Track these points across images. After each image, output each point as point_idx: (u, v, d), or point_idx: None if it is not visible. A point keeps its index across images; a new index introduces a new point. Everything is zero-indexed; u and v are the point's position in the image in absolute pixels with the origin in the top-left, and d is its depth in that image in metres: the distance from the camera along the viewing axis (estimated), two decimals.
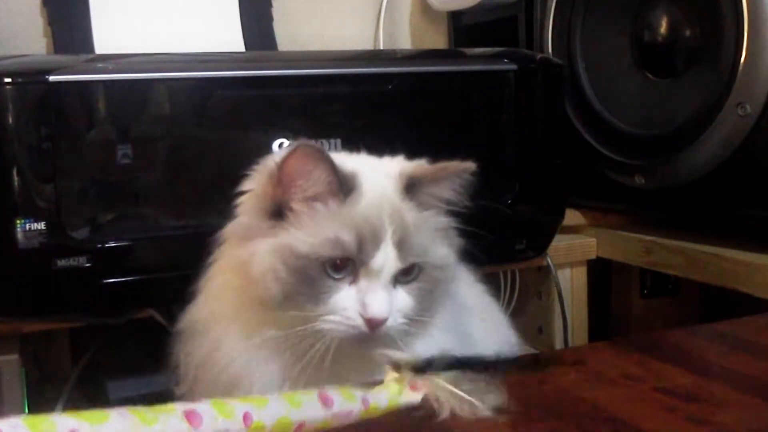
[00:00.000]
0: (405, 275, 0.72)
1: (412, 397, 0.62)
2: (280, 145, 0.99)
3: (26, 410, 0.99)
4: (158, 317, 0.98)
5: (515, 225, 1.13)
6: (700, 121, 1.10)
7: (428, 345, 0.75)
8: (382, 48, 1.58)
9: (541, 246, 1.18)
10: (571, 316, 1.28)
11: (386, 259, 0.70)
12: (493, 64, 1.14)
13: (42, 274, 0.90)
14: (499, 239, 0.96)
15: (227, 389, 0.73)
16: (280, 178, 0.73)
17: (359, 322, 0.70)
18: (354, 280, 0.71)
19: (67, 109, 0.91)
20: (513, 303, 1.29)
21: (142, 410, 0.50)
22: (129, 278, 0.93)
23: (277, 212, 0.73)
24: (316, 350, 0.70)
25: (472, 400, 0.61)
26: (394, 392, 0.62)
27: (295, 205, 0.72)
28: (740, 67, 1.04)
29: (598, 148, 1.24)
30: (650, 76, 1.20)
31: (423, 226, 0.74)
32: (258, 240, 0.73)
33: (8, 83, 0.87)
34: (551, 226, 1.18)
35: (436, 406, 0.62)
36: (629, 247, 1.26)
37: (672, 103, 1.15)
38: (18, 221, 0.88)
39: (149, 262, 0.95)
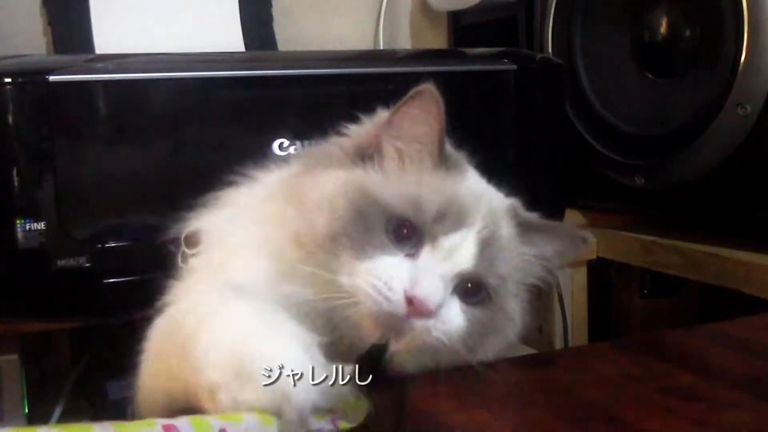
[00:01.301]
0: (469, 295, 0.63)
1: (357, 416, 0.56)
2: (281, 145, 0.99)
3: (26, 410, 0.99)
4: None
5: None
6: (700, 121, 1.10)
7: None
8: (382, 48, 1.58)
9: None
10: (571, 316, 1.28)
11: (461, 246, 0.62)
12: (493, 64, 1.14)
13: (42, 274, 0.90)
14: None
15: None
16: (391, 120, 0.66)
17: (400, 297, 0.59)
18: (414, 255, 0.62)
19: (67, 109, 0.91)
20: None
21: (123, 424, 0.50)
22: (129, 278, 0.93)
23: (365, 155, 0.66)
24: (343, 320, 0.60)
25: None
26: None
27: (388, 150, 0.66)
28: (740, 67, 1.04)
29: (598, 148, 1.24)
30: (650, 76, 1.20)
31: (516, 261, 0.67)
32: (328, 171, 0.66)
33: (8, 83, 0.87)
34: None
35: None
36: (629, 247, 1.25)
37: (672, 103, 1.15)
38: (18, 221, 0.88)
39: (149, 262, 0.95)
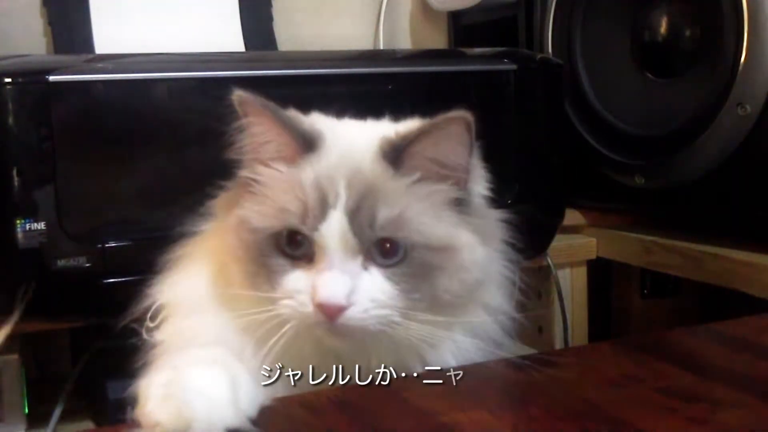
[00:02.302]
0: (385, 256, 0.62)
1: None
2: None
3: (26, 410, 0.99)
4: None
5: (515, 225, 1.13)
6: (700, 121, 1.10)
7: (451, 352, 0.67)
8: (382, 48, 1.58)
9: (541, 246, 1.18)
10: (571, 316, 1.28)
11: (333, 230, 0.61)
12: (493, 64, 1.14)
13: (42, 274, 0.90)
14: None
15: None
16: (241, 147, 0.67)
17: (311, 309, 0.60)
18: (310, 260, 0.62)
19: (67, 109, 0.91)
20: (513, 303, 1.29)
21: None
22: (129, 278, 0.93)
23: (247, 186, 0.67)
24: (275, 340, 0.62)
25: None
26: None
27: (255, 171, 0.66)
28: (740, 67, 1.04)
29: (598, 148, 1.24)
30: (650, 76, 1.20)
31: (405, 195, 0.63)
32: (231, 210, 0.68)
33: (8, 83, 0.87)
34: (551, 226, 1.18)
35: None
36: (629, 247, 1.26)
37: (672, 103, 1.15)
38: (18, 221, 0.88)
39: (149, 262, 0.95)
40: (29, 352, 1.11)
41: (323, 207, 0.62)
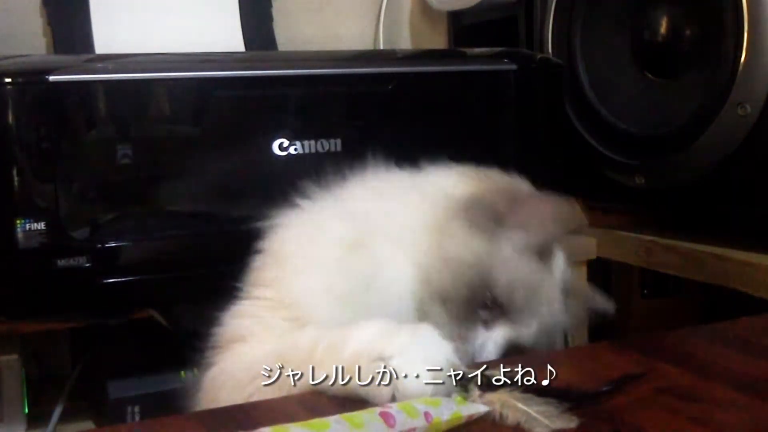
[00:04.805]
0: None
1: (475, 408, 0.60)
2: (280, 145, 0.99)
3: (26, 410, 0.99)
4: (158, 317, 0.98)
5: None
6: (700, 121, 1.09)
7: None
8: (382, 48, 1.58)
9: None
10: (571, 316, 1.28)
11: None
12: (493, 64, 1.14)
13: (42, 274, 0.90)
14: None
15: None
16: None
17: None
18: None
19: (67, 109, 0.91)
20: None
21: (351, 415, 0.56)
22: (129, 278, 0.93)
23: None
24: None
25: (541, 418, 0.58)
26: (457, 404, 0.60)
27: None
28: (740, 67, 1.04)
29: (598, 148, 1.24)
30: (650, 76, 1.20)
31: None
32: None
33: (8, 83, 0.87)
34: None
35: (499, 418, 0.59)
36: (629, 247, 1.25)
37: (672, 103, 1.15)
38: (18, 221, 0.88)
39: (149, 262, 0.95)
40: (29, 352, 1.11)
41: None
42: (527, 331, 0.75)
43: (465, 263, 0.74)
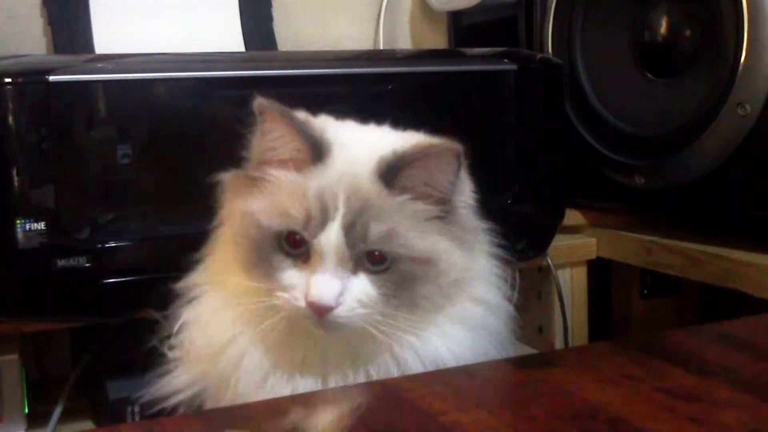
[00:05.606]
0: (374, 263, 0.68)
1: None
2: None
3: (26, 410, 0.99)
4: (158, 317, 0.98)
5: (515, 225, 1.13)
6: (700, 121, 1.09)
7: (441, 339, 0.72)
8: (382, 48, 1.58)
9: (541, 246, 1.18)
10: (571, 316, 1.28)
11: (330, 241, 0.67)
12: (493, 64, 1.14)
13: (42, 274, 0.90)
14: None
15: (214, 357, 0.73)
16: (254, 146, 0.73)
17: (303, 304, 0.67)
18: (306, 259, 0.69)
19: (67, 109, 0.91)
20: (513, 303, 1.29)
21: None
22: (129, 278, 0.93)
23: (255, 180, 0.73)
24: (268, 325, 0.70)
25: None
26: None
27: (266, 171, 0.72)
28: (740, 67, 1.04)
29: (598, 148, 1.24)
30: (650, 76, 1.20)
31: (395, 213, 0.69)
32: (234, 202, 0.74)
33: (8, 83, 0.87)
34: (551, 226, 1.18)
35: None
36: (629, 247, 1.25)
37: (672, 103, 1.15)
38: (18, 221, 0.88)
39: (149, 262, 0.95)
40: (29, 352, 1.11)
41: (323, 218, 0.68)
42: None
43: (241, 225, 0.74)
